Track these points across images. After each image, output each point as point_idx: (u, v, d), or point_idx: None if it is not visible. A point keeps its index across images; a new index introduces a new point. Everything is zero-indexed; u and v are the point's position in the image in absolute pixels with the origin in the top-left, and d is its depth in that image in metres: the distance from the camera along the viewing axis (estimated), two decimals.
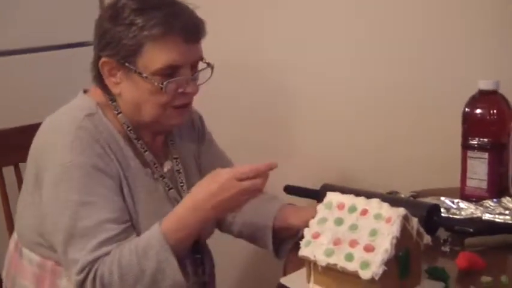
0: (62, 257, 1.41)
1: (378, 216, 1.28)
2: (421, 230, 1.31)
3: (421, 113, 2.05)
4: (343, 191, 1.40)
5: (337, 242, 1.29)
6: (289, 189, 1.80)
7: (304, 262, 1.34)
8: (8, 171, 1.82)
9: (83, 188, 1.40)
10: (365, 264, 1.23)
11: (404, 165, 2.06)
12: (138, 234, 1.43)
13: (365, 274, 1.22)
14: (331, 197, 1.38)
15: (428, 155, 2.01)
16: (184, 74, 1.46)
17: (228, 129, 2.26)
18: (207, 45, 1.51)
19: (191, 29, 1.45)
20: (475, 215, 1.62)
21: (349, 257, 1.26)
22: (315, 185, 1.72)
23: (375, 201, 1.32)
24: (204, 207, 1.38)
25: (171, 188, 1.55)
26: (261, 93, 2.33)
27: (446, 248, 1.51)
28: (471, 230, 1.52)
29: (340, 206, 1.35)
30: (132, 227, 1.45)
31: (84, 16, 2.39)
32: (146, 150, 1.53)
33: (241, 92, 2.34)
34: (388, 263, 1.23)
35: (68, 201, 1.39)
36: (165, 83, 1.44)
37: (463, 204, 1.65)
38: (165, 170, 1.58)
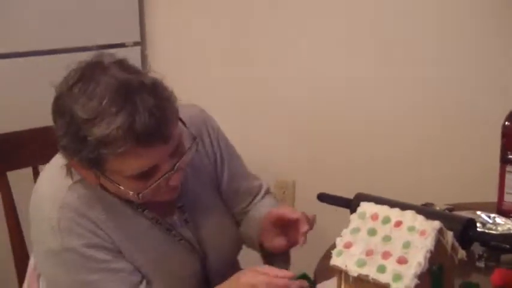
0: None
1: (411, 229, 1.26)
2: (456, 244, 1.29)
3: (459, 125, 2.03)
4: (377, 201, 1.38)
5: (369, 253, 1.27)
6: (323, 198, 1.78)
7: (335, 271, 1.33)
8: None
9: (82, 269, 1.33)
10: (397, 277, 1.21)
11: (440, 177, 2.04)
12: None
13: (397, 287, 1.20)
14: (365, 207, 1.36)
15: (466, 168, 1.99)
16: (164, 169, 1.29)
17: (258, 141, 2.26)
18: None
19: (154, 132, 1.22)
20: None
21: (382, 269, 1.23)
22: (347, 194, 1.70)
23: (409, 213, 1.29)
24: None
25: (181, 239, 1.46)
26: (290, 102, 2.33)
27: (481, 264, 1.48)
28: (507, 246, 1.49)
29: (374, 217, 1.32)
30: (147, 282, 1.40)
31: (122, 17, 2.43)
32: (145, 209, 1.41)
33: (270, 103, 2.34)
34: (420, 276, 1.20)
35: (73, 283, 1.34)
36: (140, 195, 1.30)
37: (499, 220, 1.61)
38: (175, 218, 1.47)
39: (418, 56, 2.08)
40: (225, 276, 1.52)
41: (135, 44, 2.52)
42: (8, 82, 2.23)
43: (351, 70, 2.22)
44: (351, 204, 1.57)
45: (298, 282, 1.28)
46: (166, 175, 1.29)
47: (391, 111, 2.16)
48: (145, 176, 1.28)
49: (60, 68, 2.26)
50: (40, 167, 1.80)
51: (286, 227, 1.47)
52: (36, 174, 1.79)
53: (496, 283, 1.36)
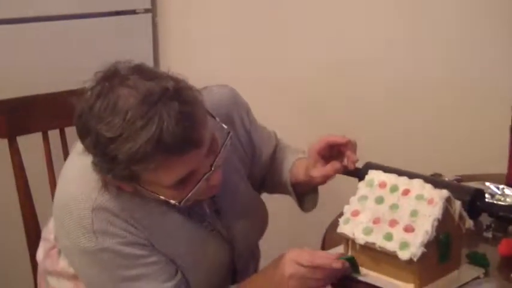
0: None
1: (419, 197, 1.26)
2: (464, 213, 1.29)
3: (470, 96, 2.01)
4: (386, 170, 1.38)
5: (376, 221, 1.27)
6: None
7: (342, 239, 1.33)
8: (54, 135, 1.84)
9: (119, 266, 1.32)
10: (404, 245, 1.22)
11: (449, 148, 2.03)
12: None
13: (403, 255, 1.21)
14: (373, 175, 1.36)
15: (475, 139, 1.98)
16: (201, 172, 1.25)
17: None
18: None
19: (184, 140, 1.17)
20: None
21: (388, 237, 1.24)
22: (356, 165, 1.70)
23: (417, 182, 1.29)
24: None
25: (212, 230, 1.44)
26: (301, 74, 2.33)
27: (489, 234, 1.48)
28: None
29: (382, 185, 1.33)
30: (181, 273, 1.39)
31: None
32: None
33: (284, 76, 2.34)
34: (427, 245, 1.21)
35: (111, 279, 1.33)
36: (182, 203, 1.27)
37: (508, 191, 1.61)
38: (206, 209, 1.44)
39: (430, 28, 2.07)
40: (248, 263, 1.56)
41: (146, 11, 2.51)
42: (18, 47, 2.23)
43: (361, 43, 2.21)
44: (360, 173, 1.57)
45: (341, 262, 1.27)
46: (205, 177, 1.25)
47: (402, 82, 2.15)
48: (183, 182, 1.23)
49: (70, 33, 2.28)
50: (50, 133, 1.81)
51: (330, 157, 1.48)
52: (46, 139, 1.80)
53: (503, 253, 1.37)
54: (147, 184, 1.25)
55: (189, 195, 1.25)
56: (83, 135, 1.22)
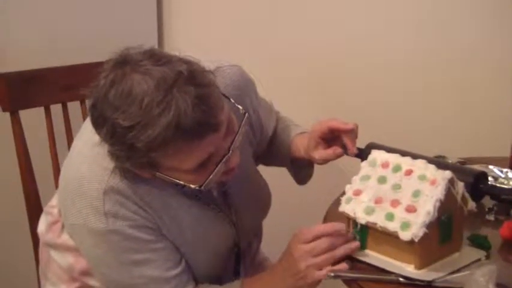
0: None
1: (422, 177, 1.25)
2: (466, 195, 1.28)
3: (475, 80, 2.00)
4: (389, 150, 1.37)
5: (378, 201, 1.27)
6: None
7: (344, 219, 1.33)
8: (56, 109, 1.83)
9: (126, 249, 1.32)
10: (405, 225, 1.21)
11: (453, 131, 2.03)
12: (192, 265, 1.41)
13: (405, 235, 1.21)
14: (376, 155, 1.35)
15: (480, 122, 1.97)
16: (220, 154, 1.24)
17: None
18: None
19: (202, 124, 1.16)
20: None
21: (390, 217, 1.23)
22: (359, 145, 1.69)
23: (420, 162, 1.29)
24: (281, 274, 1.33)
25: (219, 211, 1.44)
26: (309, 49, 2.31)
27: (491, 217, 1.48)
28: None
29: (385, 165, 1.32)
30: (186, 260, 1.40)
31: None
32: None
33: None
34: (429, 225, 1.20)
35: (116, 261, 1.33)
36: (203, 186, 1.26)
37: None
38: (215, 194, 1.44)
39: (433, 6, 2.05)
40: (251, 242, 1.58)
41: None
42: (21, 21, 2.21)
43: (363, 21, 2.19)
44: (363, 154, 1.56)
45: (338, 223, 1.29)
46: (224, 159, 1.24)
47: (405, 63, 2.13)
48: (203, 166, 1.22)
49: (73, 8, 2.25)
50: (52, 107, 1.80)
51: (331, 140, 1.50)
52: (48, 113, 1.79)
53: (505, 236, 1.36)
54: (167, 170, 1.24)
55: (210, 178, 1.24)
56: (98, 125, 1.20)
